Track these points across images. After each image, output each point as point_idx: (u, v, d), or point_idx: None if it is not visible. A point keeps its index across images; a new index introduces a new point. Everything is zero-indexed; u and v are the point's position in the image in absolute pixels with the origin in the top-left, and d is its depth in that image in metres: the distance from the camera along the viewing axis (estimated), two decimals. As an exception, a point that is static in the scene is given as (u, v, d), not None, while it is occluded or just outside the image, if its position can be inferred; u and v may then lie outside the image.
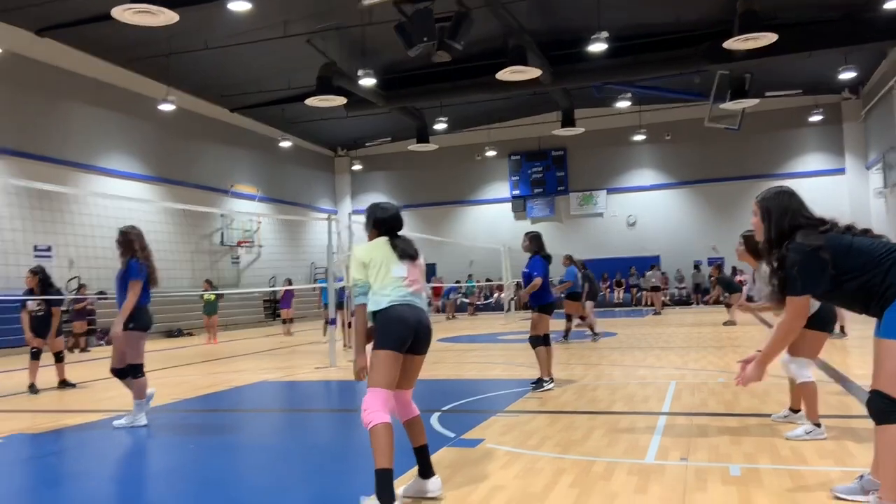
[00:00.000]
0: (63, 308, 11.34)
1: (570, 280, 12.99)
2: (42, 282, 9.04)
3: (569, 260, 13.73)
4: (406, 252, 3.81)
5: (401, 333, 3.61)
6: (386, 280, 3.70)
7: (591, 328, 13.24)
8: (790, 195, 3.40)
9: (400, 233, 3.94)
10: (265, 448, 5.54)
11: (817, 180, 26.23)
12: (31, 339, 8.97)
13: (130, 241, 6.27)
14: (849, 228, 3.26)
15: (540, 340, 7.45)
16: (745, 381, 3.40)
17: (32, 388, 8.76)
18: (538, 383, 7.38)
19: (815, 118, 25.70)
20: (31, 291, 9.03)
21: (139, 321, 6.20)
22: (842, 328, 11.22)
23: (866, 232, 3.27)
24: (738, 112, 22.28)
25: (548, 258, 7.73)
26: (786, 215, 3.29)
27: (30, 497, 4.29)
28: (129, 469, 5.05)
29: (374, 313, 3.68)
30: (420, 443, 3.72)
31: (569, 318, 13.21)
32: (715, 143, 26.88)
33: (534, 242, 7.74)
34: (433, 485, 3.67)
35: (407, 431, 3.74)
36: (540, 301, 7.63)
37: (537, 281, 7.48)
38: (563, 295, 12.62)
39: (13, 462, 5.19)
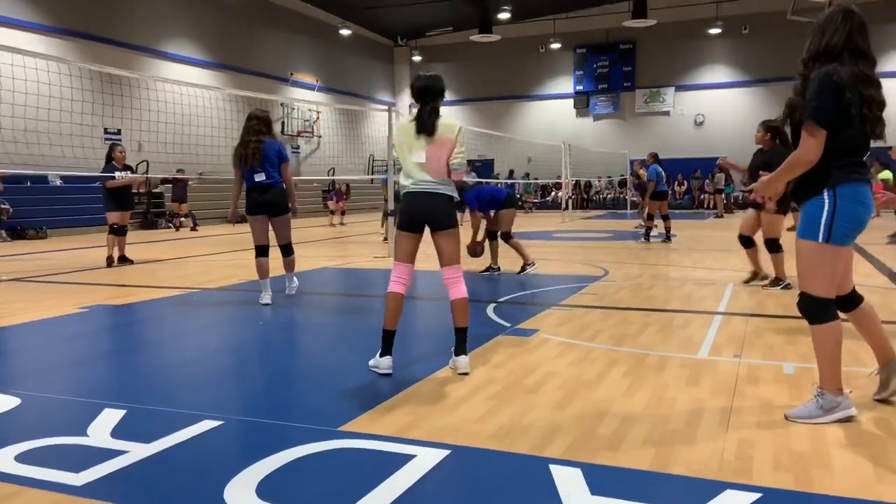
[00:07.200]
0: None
1: (652, 179, 12.57)
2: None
3: (653, 158, 13.09)
4: (422, 126, 3.92)
5: (409, 217, 3.99)
6: (407, 165, 3.99)
7: (668, 230, 12.87)
8: (860, 22, 3.07)
9: (441, 106, 3.99)
10: (327, 325, 5.82)
11: (906, 80, 24.55)
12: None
13: (270, 123, 6.26)
14: None
15: (508, 235, 8.24)
16: (757, 195, 3.26)
17: (111, 261, 9.46)
18: (517, 269, 8.34)
19: (912, 11, 23.78)
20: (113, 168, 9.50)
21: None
22: None
23: None
24: (825, 3, 20.73)
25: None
26: (837, 34, 3.01)
27: (105, 363, 4.66)
28: (205, 339, 5.38)
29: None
30: (459, 325, 4.04)
31: (650, 217, 12.96)
32: (795, 39, 24.76)
33: None
34: (460, 362, 4.01)
35: (451, 311, 4.06)
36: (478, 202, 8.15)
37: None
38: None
39: (99, 329, 5.61)
